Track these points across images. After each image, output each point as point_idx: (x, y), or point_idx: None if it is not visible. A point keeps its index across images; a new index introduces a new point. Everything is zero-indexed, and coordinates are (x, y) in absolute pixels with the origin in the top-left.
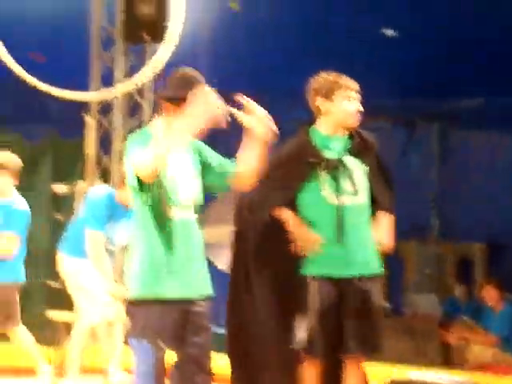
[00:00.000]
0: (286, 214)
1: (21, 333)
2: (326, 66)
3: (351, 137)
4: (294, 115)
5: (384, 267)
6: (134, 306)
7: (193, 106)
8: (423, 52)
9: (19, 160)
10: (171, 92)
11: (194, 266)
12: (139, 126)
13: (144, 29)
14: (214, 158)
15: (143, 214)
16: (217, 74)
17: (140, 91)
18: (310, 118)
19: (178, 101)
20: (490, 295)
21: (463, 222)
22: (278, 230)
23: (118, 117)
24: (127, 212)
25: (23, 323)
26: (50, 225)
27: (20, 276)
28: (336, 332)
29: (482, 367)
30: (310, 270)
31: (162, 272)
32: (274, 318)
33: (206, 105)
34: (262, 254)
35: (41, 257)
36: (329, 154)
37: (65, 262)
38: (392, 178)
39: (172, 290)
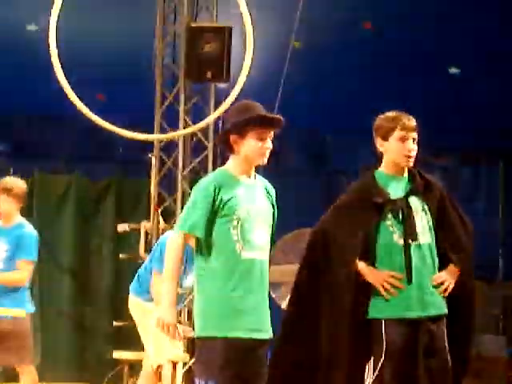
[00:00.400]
0: (359, 266)
1: (31, 373)
2: (392, 106)
3: (412, 177)
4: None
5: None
6: (202, 346)
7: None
8: (488, 91)
9: (24, 184)
10: (232, 123)
11: (263, 307)
12: (203, 166)
13: (207, 67)
14: (274, 219)
15: (212, 253)
16: (277, 111)
17: (204, 130)
18: (377, 158)
19: (241, 130)
20: None
21: None
22: (348, 275)
23: (181, 156)
24: None
25: (89, 363)
26: (113, 264)
27: (29, 306)
28: (408, 373)
29: None
30: (379, 312)
31: (231, 312)
32: (341, 363)
33: (250, 151)
34: (330, 298)
35: (104, 296)
36: (392, 195)
37: (133, 302)
38: (465, 223)
39: (241, 330)
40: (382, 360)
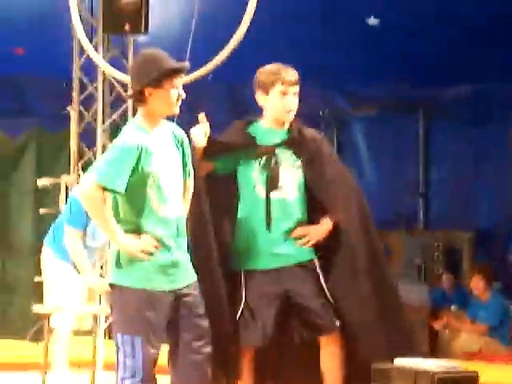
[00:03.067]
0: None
1: None
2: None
3: (290, 131)
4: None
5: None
6: (119, 296)
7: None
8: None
9: None
10: (146, 76)
11: (184, 262)
12: (123, 119)
13: (125, 20)
14: (187, 159)
15: (129, 211)
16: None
17: (123, 83)
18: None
19: (156, 82)
20: (476, 285)
21: (450, 211)
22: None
23: (100, 110)
24: None
25: (12, 318)
26: (34, 219)
27: None
28: (276, 321)
29: (470, 356)
30: (240, 264)
31: (152, 267)
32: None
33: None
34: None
35: (25, 251)
36: (262, 143)
37: (47, 254)
38: (347, 181)
39: (163, 284)
40: (244, 309)
